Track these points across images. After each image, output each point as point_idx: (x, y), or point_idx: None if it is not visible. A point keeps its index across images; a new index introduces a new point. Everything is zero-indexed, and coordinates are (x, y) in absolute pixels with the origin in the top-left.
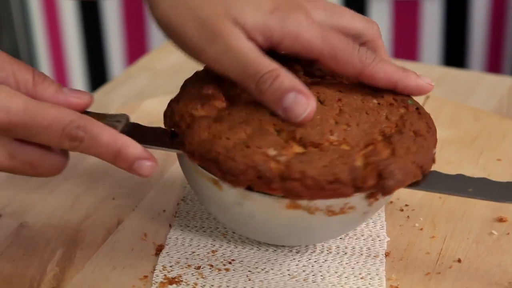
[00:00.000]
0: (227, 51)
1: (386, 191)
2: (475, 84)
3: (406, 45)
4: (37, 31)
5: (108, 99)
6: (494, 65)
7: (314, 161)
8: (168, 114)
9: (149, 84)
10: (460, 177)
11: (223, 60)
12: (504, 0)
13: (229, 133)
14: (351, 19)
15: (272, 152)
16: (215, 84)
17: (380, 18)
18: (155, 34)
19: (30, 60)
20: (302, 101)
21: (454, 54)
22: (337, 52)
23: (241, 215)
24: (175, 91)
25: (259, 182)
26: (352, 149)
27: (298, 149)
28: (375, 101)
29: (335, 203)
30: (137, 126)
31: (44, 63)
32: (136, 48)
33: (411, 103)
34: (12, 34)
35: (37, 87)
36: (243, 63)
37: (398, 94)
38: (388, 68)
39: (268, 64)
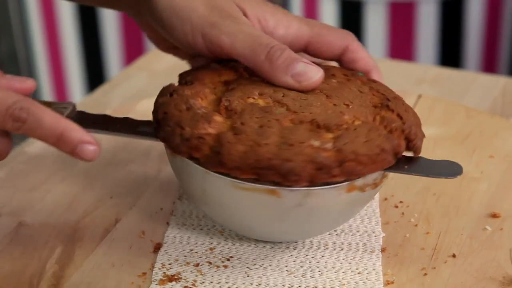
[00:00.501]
0: (240, 25)
1: (418, 151)
2: (470, 84)
3: (402, 46)
4: (35, 34)
5: (106, 99)
6: (489, 66)
7: (355, 140)
8: (178, 141)
9: (147, 84)
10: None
11: (235, 33)
12: (499, 2)
13: (262, 139)
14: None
15: (315, 142)
16: (202, 101)
17: (376, 20)
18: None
19: (28, 62)
20: (312, 67)
21: (450, 54)
22: (323, 34)
23: (298, 217)
24: None
25: (320, 174)
26: (368, 123)
27: (329, 134)
28: (334, 80)
29: (378, 175)
30: (83, 113)
31: (42, 65)
32: (134, 48)
33: (361, 75)
34: (10, 37)
35: None
36: (255, 36)
37: (344, 69)
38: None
39: (276, 41)
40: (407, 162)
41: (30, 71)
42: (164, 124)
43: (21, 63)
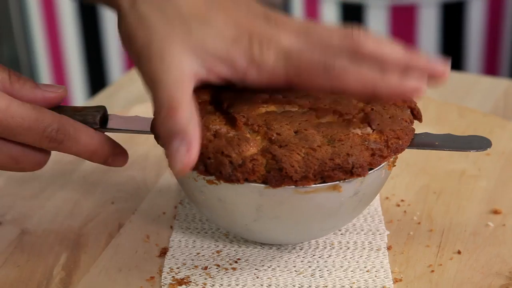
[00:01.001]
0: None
1: (421, 116)
2: (472, 86)
3: None
4: (37, 38)
5: (109, 102)
6: (491, 68)
7: (383, 119)
8: (229, 169)
9: None
10: (426, 134)
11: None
12: (500, 4)
13: (311, 143)
14: (327, 37)
15: (356, 131)
16: (219, 121)
17: (377, 23)
18: None
19: (30, 67)
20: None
21: (451, 57)
22: (301, 70)
23: (350, 207)
24: None
25: (375, 159)
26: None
27: (356, 120)
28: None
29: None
30: (114, 116)
31: (44, 69)
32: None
33: None
34: (11, 41)
35: (14, 84)
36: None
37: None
38: (361, 72)
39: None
40: (437, 138)
41: (32, 75)
42: (201, 159)
43: (23, 67)
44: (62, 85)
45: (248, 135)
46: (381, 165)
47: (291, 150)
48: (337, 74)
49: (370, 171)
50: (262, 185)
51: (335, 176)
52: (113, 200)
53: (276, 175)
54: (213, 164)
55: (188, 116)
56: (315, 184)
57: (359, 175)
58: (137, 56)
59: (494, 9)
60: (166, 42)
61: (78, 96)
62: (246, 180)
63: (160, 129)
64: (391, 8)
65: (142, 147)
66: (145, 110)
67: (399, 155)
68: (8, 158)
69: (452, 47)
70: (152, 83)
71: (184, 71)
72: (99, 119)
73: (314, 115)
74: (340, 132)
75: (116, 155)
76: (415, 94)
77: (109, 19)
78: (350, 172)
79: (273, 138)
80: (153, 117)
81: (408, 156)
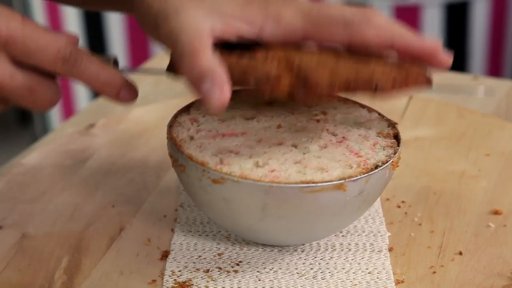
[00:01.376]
0: (174, 31)
1: None
2: (474, 87)
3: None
4: None
5: (112, 104)
6: (494, 69)
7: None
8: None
9: (153, 89)
10: None
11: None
12: (504, 5)
13: (337, 62)
14: (340, 9)
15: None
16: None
17: None
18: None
19: None
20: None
21: (455, 58)
22: (320, 24)
23: (356, 204)
24: (178, 96)
25: (397, 82)
26: None
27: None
28: None
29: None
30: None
31: None
32: (139, 53)
33: None
34: None
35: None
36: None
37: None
38: (381, 26)
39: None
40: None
41: None
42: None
43: None
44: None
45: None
46: (386, 164)
47: (317, 66)
48: (357, 28)
49: (376, 170)
50: (268, 183)
51: (359, 87)
52: (114, 203)
53: (300, 85)
54: (238, 81)
55: (212, 57)
56: (340, 92)
57: (382, 92)
58: (154, 23)
59: (498, 10)
60: (181, 4)
61: (82, 97)
62: (271, 94)
63: (188, 75)
64: (395, 8)
65: (142, 150)
66: (145, 112)
67: (400, 156)
68: (22, 86)
69: (456, 47)
70: (173, 37)
71: (201, 24)
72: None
73: (333, 55)
74: (363, 60)
75: (127, 88)
76: (434, 53)
77: (112, 22)
78: (375, 88)
79: (297, 63)
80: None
81: (408, 157)
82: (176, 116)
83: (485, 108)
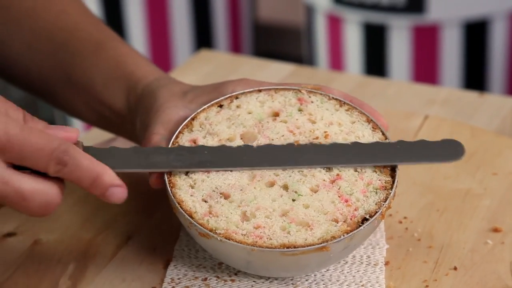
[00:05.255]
0: None
1: None
2: (479, 104)
3: (426, 70)
4: None
5: None
6: None
7: None
8: None
9: None
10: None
11: None
12: None
13: None
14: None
15: None
16: None
17: (400, 44)
18: (178, 54)
19: None
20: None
21: (474, 78)
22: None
23: (340, 257)
24: None
25: None
26: None
27: None
28: None
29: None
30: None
31: None
32: (160, 66)
33: None
34: None
35: (28, 123)
36: None
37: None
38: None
39: None
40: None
41: None
42: None
43: None
44: (74, 128)
45: None
46: (373, 217)
47: None
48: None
49: (361, 227)
50: (250, 247)
51: None
52: (125, 213)
53: None
54: None
55: None
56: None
57: None
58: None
59: None
60: None
61: None
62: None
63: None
64: (414, 28)
65: None
66: None
67: (391, 205)
68: (15, 193)
69: (475, 67)
70: None
71: None
72: None
73: None
74: None
75: (116, 186)
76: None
77: (134, 31)
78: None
79: None
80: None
81: (416, 174)
82: (177, 136)
83: (490, 124)
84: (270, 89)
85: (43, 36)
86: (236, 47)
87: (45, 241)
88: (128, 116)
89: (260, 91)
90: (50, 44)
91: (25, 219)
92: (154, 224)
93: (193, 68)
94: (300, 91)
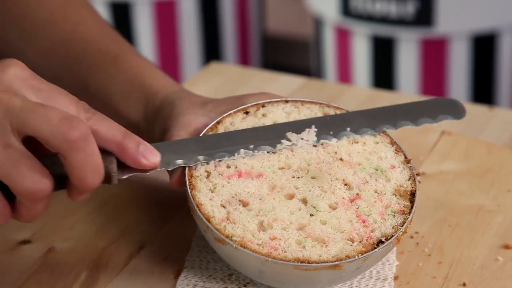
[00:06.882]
0: None
1: None
2: (489, 118)
3: (435, 83)
4: None
5: None
6: None
7: None
8: None
9: None
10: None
11: None
12: None
13: None
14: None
15: None
16: None
17: (408, 57)
18: (186, 66)
19: None
20: None
21: (483, 91)
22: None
23: (353, 276)
24: None
25: None
26: None
27: None
28: None
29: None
30: None
31: None
32: (170, 71)
33: None
34: None
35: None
36: None
37: None
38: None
39: None
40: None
41: None
42: None
43: None
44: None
45: None
46: (389, 241)
47: None
48: None
49: (376, 249)
50: (264, 257)
51: None
52: (138, 222)
53: None
54: None
55: None
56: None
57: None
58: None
59: None
60: None
61: None
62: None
63: None
64: (422, 41)
65: None
66: None
67: (407, 230)
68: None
69: (483, 80)
70: None
71: None
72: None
73: None
74: None
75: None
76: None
77: (144, 42)
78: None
79: None
80: None
81: (430, 190)
82: None
83: (500, 138)
84: (297, 101)
85: (59, 46)
86: (244, 59)
87: (59, 249)
88: (145, 127)
89: (287, 101)
90: (66, 54)
91: (41, 227)
92: (166, 234)
93: (203, 80)
94: (327, 106)
